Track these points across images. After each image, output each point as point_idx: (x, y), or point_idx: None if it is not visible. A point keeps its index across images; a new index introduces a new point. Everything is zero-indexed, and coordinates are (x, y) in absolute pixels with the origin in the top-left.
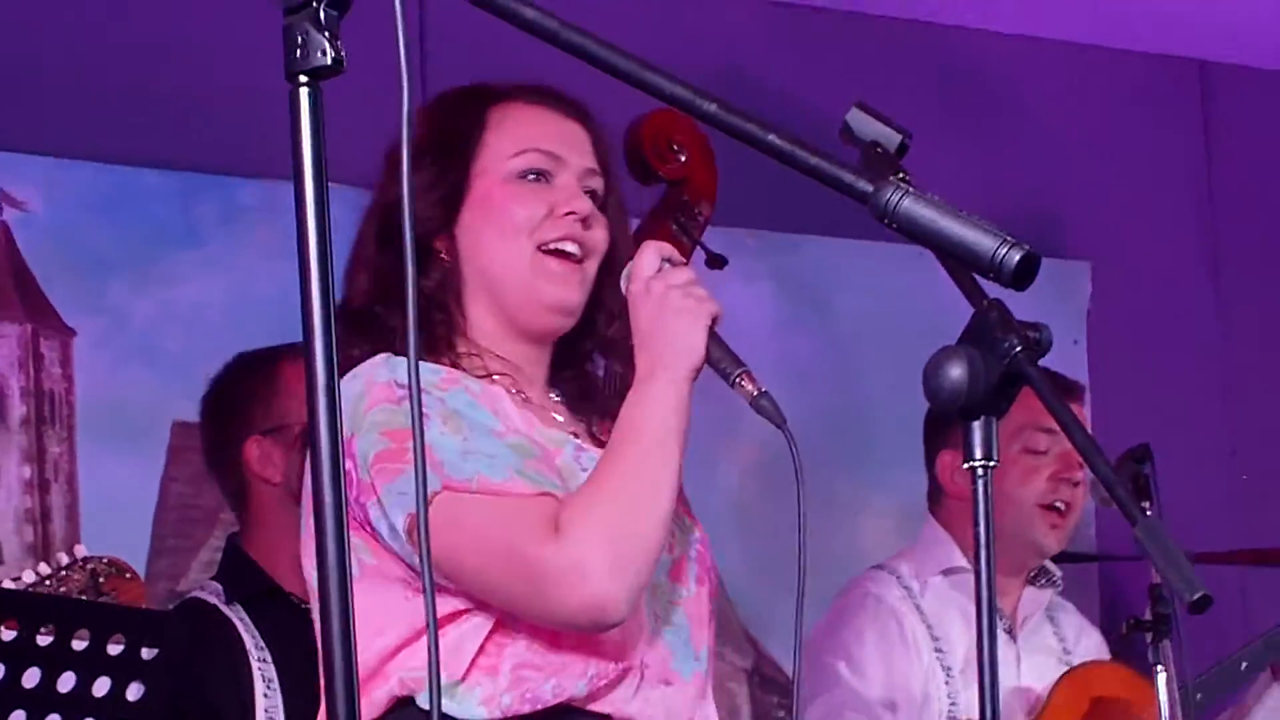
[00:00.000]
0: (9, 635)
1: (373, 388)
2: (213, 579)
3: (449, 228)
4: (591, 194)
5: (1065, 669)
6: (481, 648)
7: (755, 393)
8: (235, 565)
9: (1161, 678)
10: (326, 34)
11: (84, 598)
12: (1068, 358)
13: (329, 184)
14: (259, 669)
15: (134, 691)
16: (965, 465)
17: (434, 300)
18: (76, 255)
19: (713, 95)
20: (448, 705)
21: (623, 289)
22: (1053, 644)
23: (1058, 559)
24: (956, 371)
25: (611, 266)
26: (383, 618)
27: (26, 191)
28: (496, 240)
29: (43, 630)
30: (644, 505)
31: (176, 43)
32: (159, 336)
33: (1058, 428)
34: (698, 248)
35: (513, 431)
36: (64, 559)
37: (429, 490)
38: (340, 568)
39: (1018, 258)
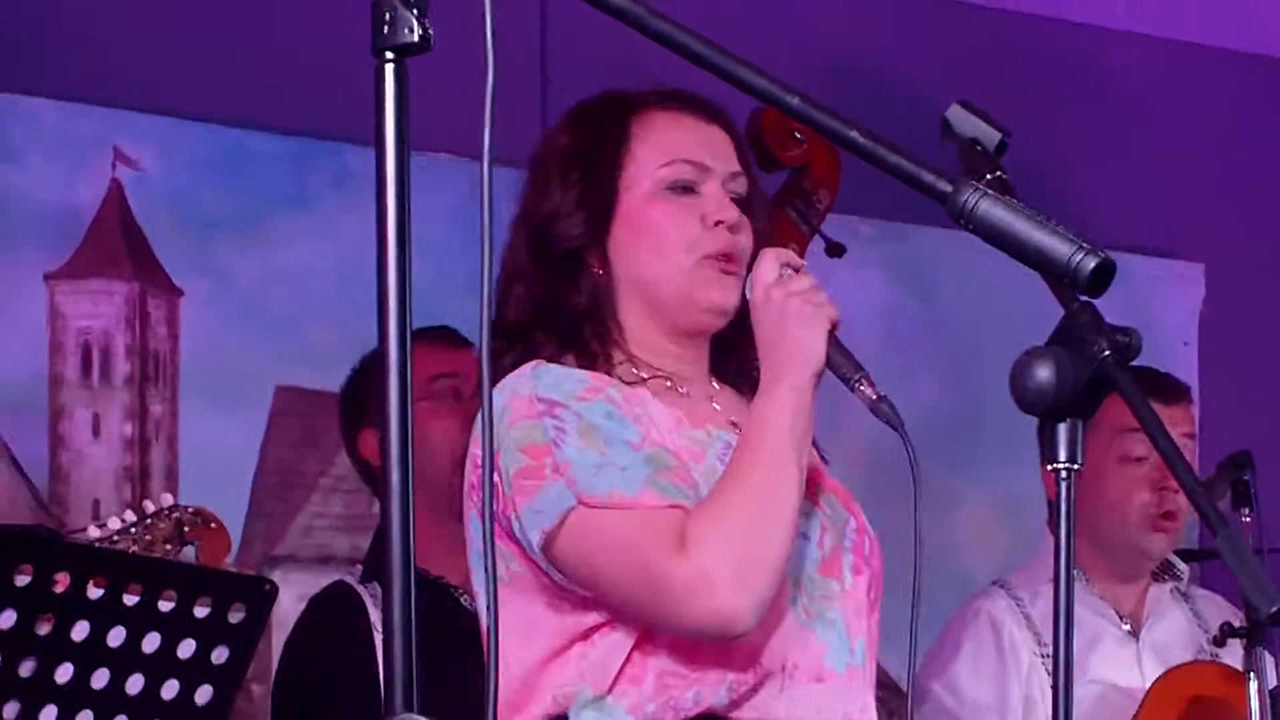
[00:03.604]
0: (96, 594)
1: (515, 402)
2: (360, 563)
3: (600, 242)
4: (737, 199)
5: (1209, 659)
6: (628, 658)
7: (874, 397)
8: (374, 547)
9: (1253, 685)
10: (415, 10)
11: (169, 547)
12: (1178, 359)
13: (442, 152)
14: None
15: (219, 655)
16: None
17: (586, 314)
18: (187, 216)
19: (797, 89)
20: (597, 717)
21: (747, 296)
22: (1192, 634)
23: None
24: (1044, 373)
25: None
26: (529, 628)
27: (140, 150)
28: (652, 256)
29: (130, 590)
30: (767, 514)
31: (295, 7)
32: (265, 299)
33: None
34: (816, 235)
35: (651, 441)
36: (150, 507)
37: (565, 507)
38: (404, 543)
39: (1092, 265)
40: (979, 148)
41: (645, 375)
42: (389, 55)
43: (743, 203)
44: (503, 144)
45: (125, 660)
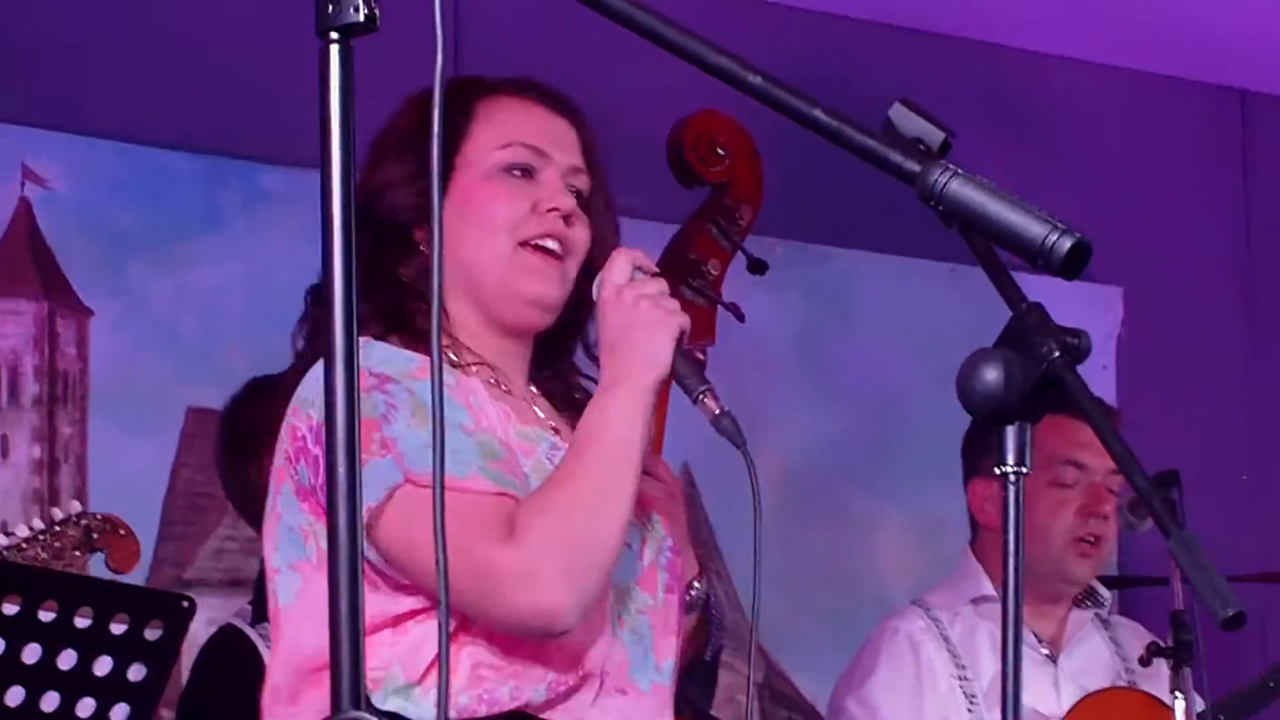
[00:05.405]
0: (11, 610)
1: None
2: (250, 603)
3: (429, 219)
4: (576, 193)
5: (1126, 686)
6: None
7: (717, 411)
8: (260, 588)
9: (1179, 705)
10: None
11: (78, 554)
12: (1096, 382)
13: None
14: None
15: (135, 672)
16: (997, 470)
17: (413, 290)
18: (97, 235)
19: (759, 68)
20: (404, 706)
21: (593, 295)
22: (1110, 662)
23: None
24: (992, 374)
25: (594, 267)
26: None
27: (50, 168)
28: (476, 236)
29: (45, 606)
30: (600, 515)
31: (206, 25)
32: (177, 321)
33: (1084, 463)
34: (738, 252)
35: (482, 429)
36: (57, 514)
37: (392, 483)
38: (351, 536)
39: (1068, 245)
40: (923, 147)
41: (470, 363)
42: (333, 35)
43: (584, 200)
44: None
45: (40, 677)
